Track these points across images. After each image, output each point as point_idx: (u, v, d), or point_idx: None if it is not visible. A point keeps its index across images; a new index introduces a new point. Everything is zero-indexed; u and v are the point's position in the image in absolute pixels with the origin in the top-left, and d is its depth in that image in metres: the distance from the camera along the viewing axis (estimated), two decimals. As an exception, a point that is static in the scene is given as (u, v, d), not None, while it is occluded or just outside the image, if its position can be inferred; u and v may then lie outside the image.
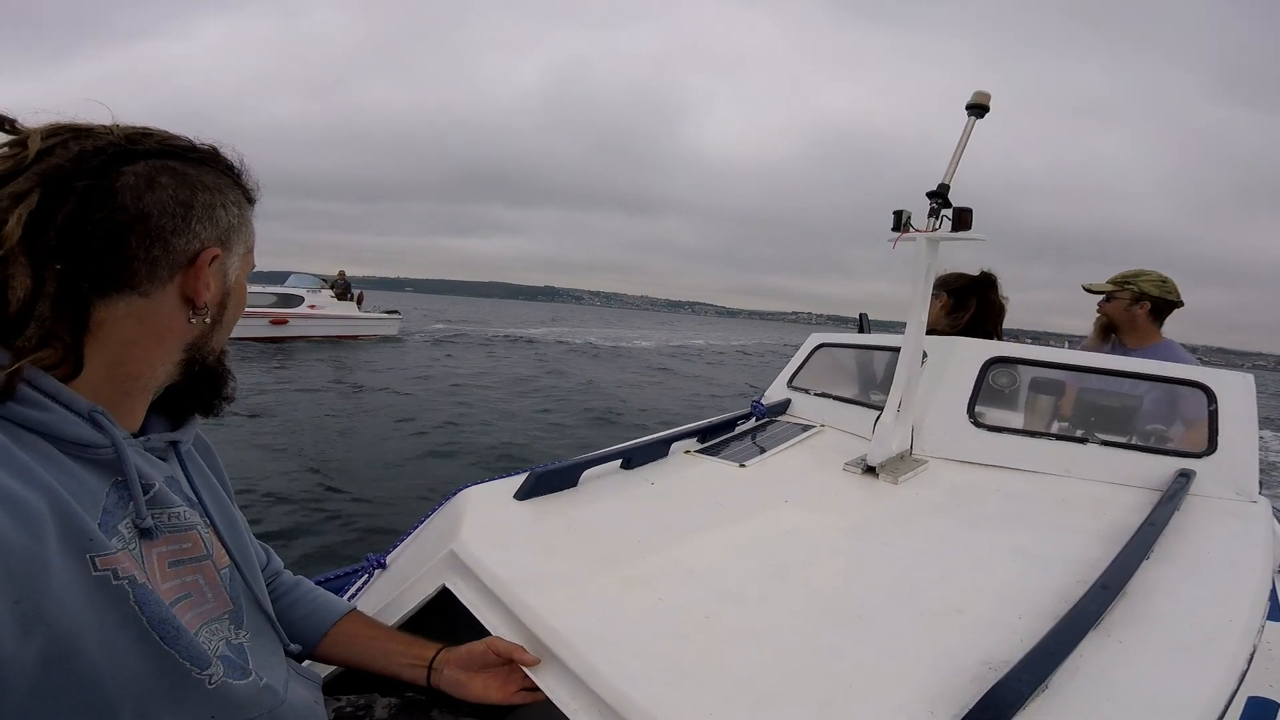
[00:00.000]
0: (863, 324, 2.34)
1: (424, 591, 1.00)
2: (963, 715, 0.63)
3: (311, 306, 14.85)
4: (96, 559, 0.51)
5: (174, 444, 0.68)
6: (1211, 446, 1.46)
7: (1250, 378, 1.55)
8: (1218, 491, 1.39)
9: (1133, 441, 1.59)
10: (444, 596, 1.00)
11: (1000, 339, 2.02)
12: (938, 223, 1.48)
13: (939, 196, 1.47)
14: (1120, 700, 0.67)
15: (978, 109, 1.50)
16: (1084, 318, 2.40)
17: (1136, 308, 2.21)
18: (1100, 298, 2.31)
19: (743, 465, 1.50)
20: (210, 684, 0.58)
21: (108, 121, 0.57)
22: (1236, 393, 1.52)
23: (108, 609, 0.51)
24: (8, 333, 0.50)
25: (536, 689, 0.79)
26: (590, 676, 0.73)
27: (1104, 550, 1.00)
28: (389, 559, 1.30)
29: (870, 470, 1.44)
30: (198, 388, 0.68)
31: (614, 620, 0.83)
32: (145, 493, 0.58)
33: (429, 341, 18.71)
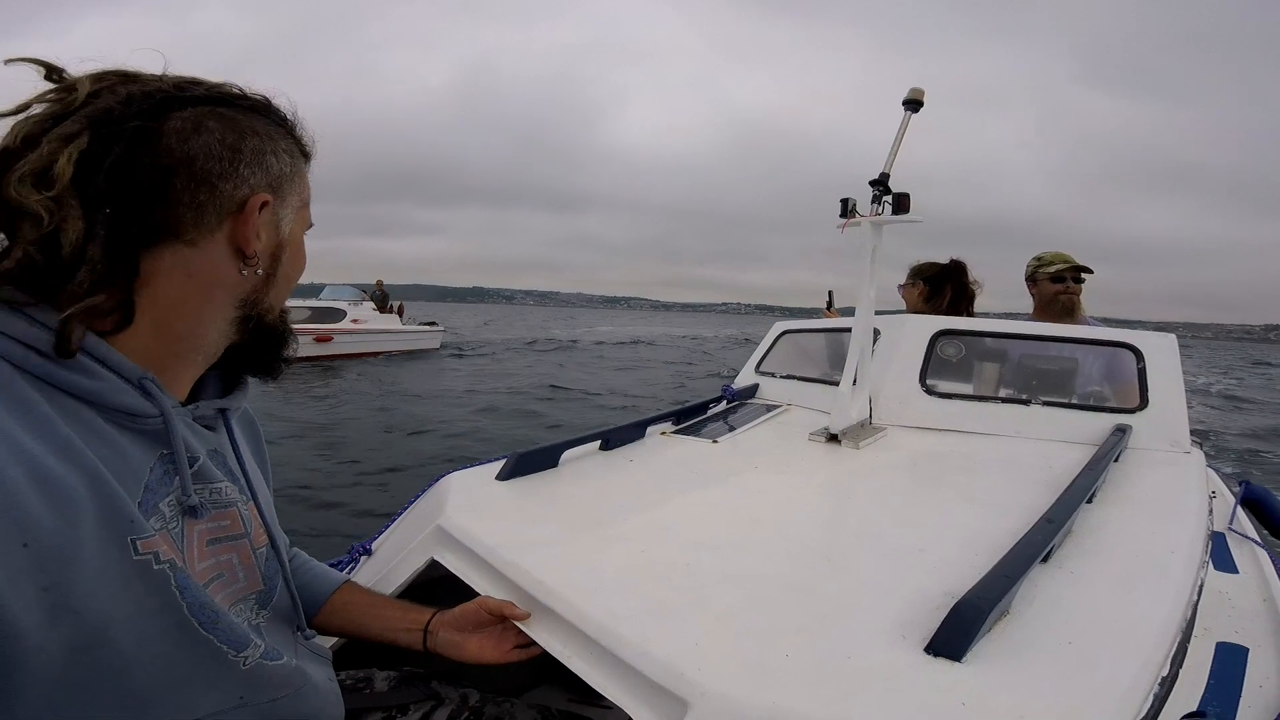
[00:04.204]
0: (831, 300, 2.41)
1: (412, 566, 1.00)
2: (930, 636, 0.64)
3: (355, 321, 13.29)
4: (138, 542, 0.48)
5: (223, 412, 0.64)
6: (1144, 402, 1.53)
7: (1172, 337, 1.64)
8: (1153, 444, 1.45)
9: (1072, 401, 1.66)
10: (431, 582, 0.99)
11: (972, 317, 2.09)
12: (880, 208, 1.54)
13: (880, 184, 1.53)
14: (1077, 623, 0.69)
15: (913, 104, 1.57)
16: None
17: (1078, 287, 2.23)
18: (1058, 281, 2.23)
19: (715, 442, 1.52)
20: (245, 665, 0.55)
21: (157, 71, 0.54)
22: (1162, 351, 1.60)
23: (147, 595, 0.48)
24: (57, 279, 0.46)
25: (530, 646, 0.79)
26: (581, 621, 0.73)
27: (1051, 497, 1.03)
28: (374, 545, 1.28)
29: (833, 438, 1.48)
30: (256, 348, 0.63)
31: (599, 572, 0.84)
32: (190, 466, 0.55)
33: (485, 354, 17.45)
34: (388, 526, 1.35)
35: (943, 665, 0.61)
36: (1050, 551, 0.83)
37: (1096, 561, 0.84)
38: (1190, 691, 0.68)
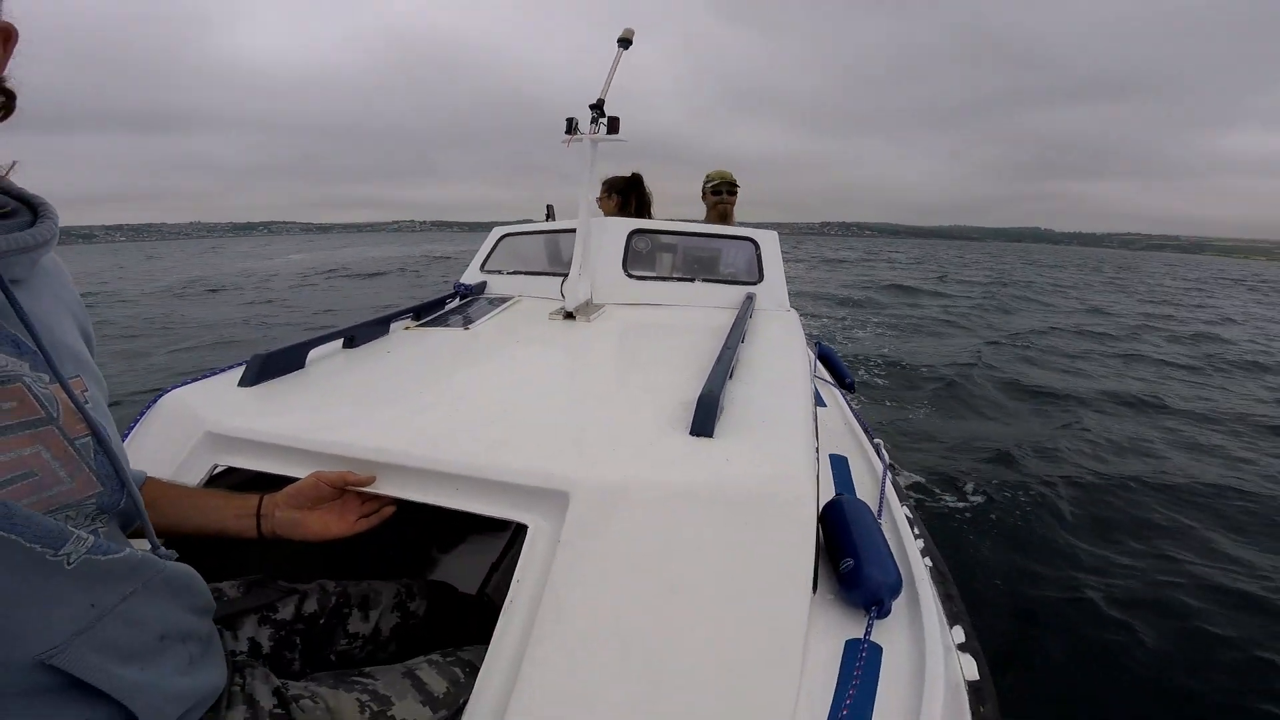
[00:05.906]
0: (550, 213, 2.65)
1: (191, 481, 0.90)
2: (690, 420, 0.90)
3: None
4: None
5: None
6: (761, 277, 2.21)
7: (775, 233, 2.36)
8: (769, 306, 2.12)
9: (720, 278, 2.28)
10: None
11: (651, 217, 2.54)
12: (597, 129, 1.85)
13: (598, 109, 1.85)
14: (762, 412, 1.02)
15: (625, 42, 1.86)
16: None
17: (732, 198, 2.87)
18: (716, 194, 2.79)
19: (467, 328, 1.65)
20: (69, 564, 0.45)
21: None
22: (770, 242, 2.30)
23: None
24: None
25: (374, 514, 0.81)
26: (437, 465, 0.81)
27: (720, 340, 1.45)
28: None
29: (569, 315, 1.76)
30: None
31: (425, 429, 0.92)
32: None
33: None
34: None
35: (705, 441, 0.89)
36: (733, 370, 1.21)
37: (756, 378, 1.24)
38: (824, 482, 1.09)
